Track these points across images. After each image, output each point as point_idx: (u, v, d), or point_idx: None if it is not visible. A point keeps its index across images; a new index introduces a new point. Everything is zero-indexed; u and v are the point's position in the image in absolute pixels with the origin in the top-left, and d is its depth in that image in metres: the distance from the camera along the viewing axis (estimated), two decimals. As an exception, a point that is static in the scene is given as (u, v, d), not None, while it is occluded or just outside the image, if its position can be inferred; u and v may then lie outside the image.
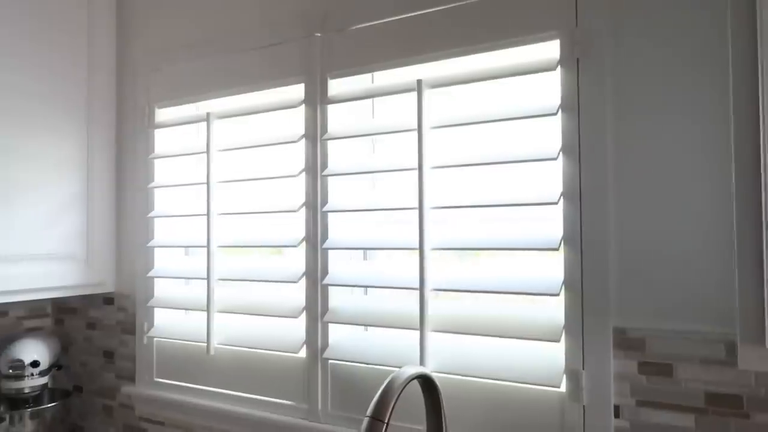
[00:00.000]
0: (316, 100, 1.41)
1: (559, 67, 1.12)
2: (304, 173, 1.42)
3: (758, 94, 0.71)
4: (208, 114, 1.54)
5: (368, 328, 1.43)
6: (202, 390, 1.58)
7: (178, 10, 1.70)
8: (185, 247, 1.70)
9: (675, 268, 1.03)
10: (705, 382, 1.00)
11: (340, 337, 1.39)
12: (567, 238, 1.11)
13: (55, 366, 1.78)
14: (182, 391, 1.62)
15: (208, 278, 1.52)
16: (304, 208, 1.42)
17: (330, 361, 1.38)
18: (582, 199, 1.10)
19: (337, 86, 1.41)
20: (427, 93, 1.24)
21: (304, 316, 1.41)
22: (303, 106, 1.43)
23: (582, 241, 1.10)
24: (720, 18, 1.00)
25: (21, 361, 1.66)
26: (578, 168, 1.10)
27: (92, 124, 1.74)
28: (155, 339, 1.68)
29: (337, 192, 1.41)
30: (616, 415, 1.07)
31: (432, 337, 1.22)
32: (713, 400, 1.00)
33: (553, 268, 1.16)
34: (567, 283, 1.11)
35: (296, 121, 1.47)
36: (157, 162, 1.71)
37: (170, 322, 1.68)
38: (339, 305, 1.38)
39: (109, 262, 1.78)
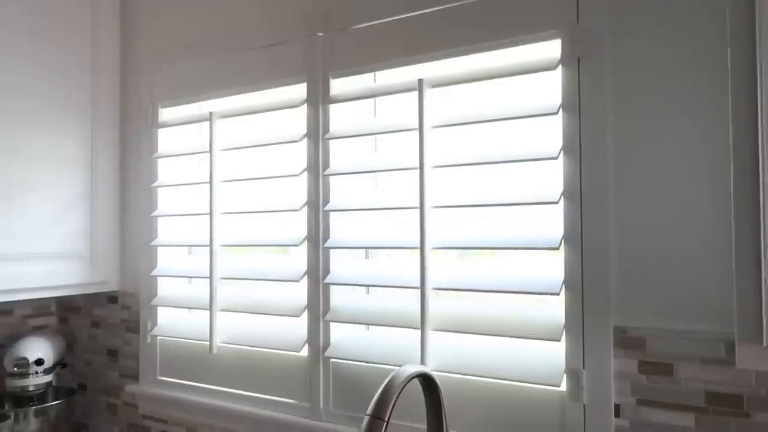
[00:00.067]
0: (318, 100, 1.42)
1: (560, 66, 1.12)
2: (306, 172, 1.43)
3: (757, 95, 0.71)
4: (210, 114, 1.55)
5: (370, 327, 1.43)
6: (204, 388, 1.59)
7: (181, 9, 1.71)
8: (188, 246, 1.71)
9: (675, 268, 1.03)
10: (705, 381, 1.00)
11: (341, 335, 1.40)
12: (567, 238, 1.11)
13: (60, 364, 1.79)
14: (185, 390, 1.63)
15: (210, 277, 1.53)
16: (306, 207, 1.42)
17: (331, 360, 1.39)
18: (582, 198, 1.10)
19: (339, 86, 1.42)
20: (429, 92, 1.24)
21: (305, 314, 1.42)
22: (305, 105, 1.44)
23: (582, 240, 1.10)
24: (720, 18, 1.00)
25: (25, 359, 1.67)
26: (579, 167, 1.10)
27: (96, 123, 1.75)
28: (159, 337, 1.69)
29: (339, 191, 1.41)
30: (617, 414, 1.07)
31: (433, 336, 1.22)
32: (713, 400, 1.00)
33: (553, 267, 1.16)
34: (567, 282, 1.11)
35: (298, 120, 1.48)
36: (160, 161, 1.72)
37: (173, 321, 1.69)
38: (340, 304, 1.39)
39: (113, 261, 1.79)
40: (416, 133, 1.25)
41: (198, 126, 1.76)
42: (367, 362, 1.31)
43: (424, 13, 1.27)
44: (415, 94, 1.25)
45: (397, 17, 1.31)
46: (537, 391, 1.15)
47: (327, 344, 1.39)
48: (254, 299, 1.52)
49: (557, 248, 1.09)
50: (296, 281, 1.40)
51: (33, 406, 1.67)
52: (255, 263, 1.54)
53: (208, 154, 1.56)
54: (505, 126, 1.23)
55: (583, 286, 1.10)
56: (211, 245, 1.53)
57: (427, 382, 1.12)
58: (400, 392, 1.00)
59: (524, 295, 1.17)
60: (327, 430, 1.36)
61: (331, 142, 1.40)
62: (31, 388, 1.68)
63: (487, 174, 1.27)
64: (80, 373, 1.91)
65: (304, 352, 1.42)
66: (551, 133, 1.18)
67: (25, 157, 1.58)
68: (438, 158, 1.23)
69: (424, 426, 1.25)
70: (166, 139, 1.73)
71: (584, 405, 1.09)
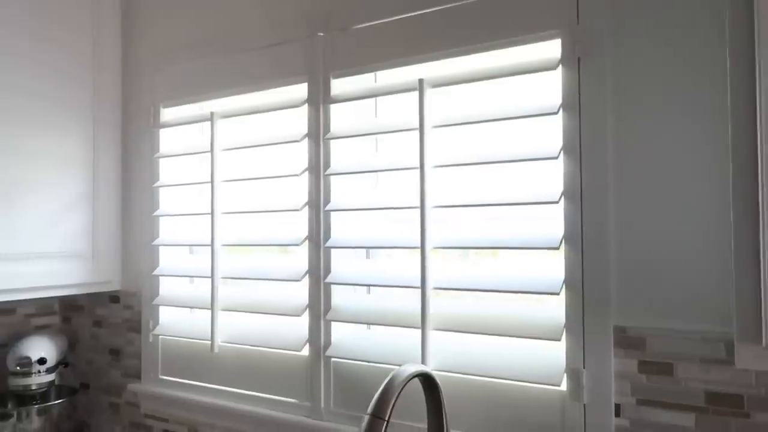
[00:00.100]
0: (319, 100, 1.42)
1: (560, 66, 1.12)
2: (307, 172, 1.43)
3: (756, 95, 0.71)
4: (212, 113, 1.55)
5: (371, 326, 1.43)
6: (206, 387, 1.60)
7: (182, 9, 1.71)
8: (190, 246, 1.71)
9: (675, 268, 1.03)
10: (705, 381, 1.00)
11: (342, 335, 1.40)
12: (568, 237, 1.12)
13: (62, 363, 1.80)
14: (186, 389, 1.63)
15: (212, 277, 1.53)
16: (307, 207, 1.43)
17: (332, 359, 1.39)
18: (583, 198, 1.10)
19: (339, 86, 1.42)
20: (429, 92, 1.25)
21: (307, 314, 1.42)
22: (306, 105, 1.44)
23: (583, 240, 1.10)
24: (720, 18, 1.00)
25: (28, 358, 1.68)
26: (579, 167, 1.11)
27: (98, 123, 1.75)
28: (160, 337, 1.70)
29: (340, 191, 1.42)
30: (617, 414, 1.07)
31: (433, 336, 1.22)
32: (713, 400, 1.00)
33: (553, 267, 1.16)
34: (568, 282, 1.11)
35: (299, 120, 1.48)
36: (162, 161, 1.72)
37: (175, 320, 1.69)
38: (341, 304, 1.39)
39: (115, 261, 1.79)
40: (417, 133, 1.25)
41: (199, 126, 1.76)
42: (368, 362, 1.31)
43: (425, 13, 1.28)
44: (416, 94, 1.25)
45: (397, 17, 1.31)
46: (537, 391, 1.15)
47: (328, 344, 1.39)
48: (255, 299, 1.52)
49: (557, 248, 1.09)
50: (297, 281, 1.41)
51: (36, 404, 1.67)
52: (256, 263, 1.55)
53: (209, 154, 1.56)
54: (505, 126, 1.23)
55: (583, 286, 1.10)
56: (212, 245, 1.54)
57: (427, 381, 1.12)
58: (401, 391, 1.01)
59: (524, 294, 1.17)
60: (328, 430, 1.36)
61: (332, 142, 1.41)
62: (33, 387, 1.69)
63: (488, 174, 1.27)
64: (82, 372, 1.91)
65: (305, 351, 1.43)
66: (551, 133, 1.18)
67: (27, 157, 1.58)
68: (438, 158, 1.23)
69: (424, 425, 1.25)
70: (167, 139, 1.74)
71: (584, 404, 1.09)
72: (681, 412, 1.02)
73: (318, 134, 1.42)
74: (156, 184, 1.70)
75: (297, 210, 1.41)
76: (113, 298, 1.83)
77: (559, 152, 1.11)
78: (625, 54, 1.08)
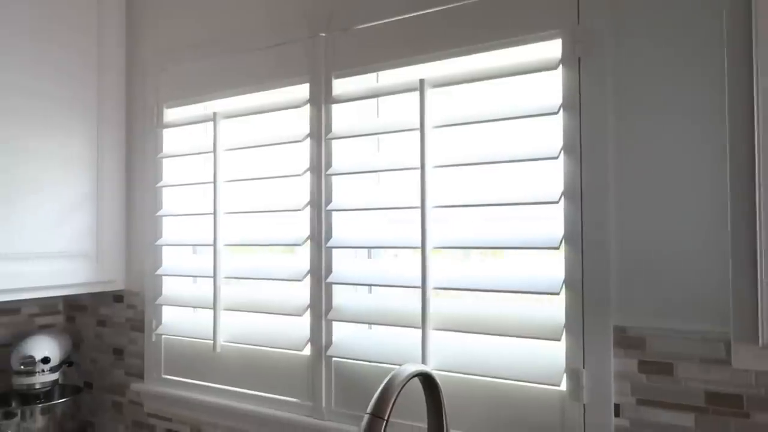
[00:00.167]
0: (321, 100, 1.42)
1: (560, 66, 1.13)
2: (308, 172, 1.44)
3: (753, 95, 0.71)
4: (214, 114, 1.56)
5: (372, 326, 1.44)
6: (208, 387, 1.60)
7: (185, 10, 1.72)
8: (193, 246, 1.72)
9: (675, 268, 1.03)
10: (705, 381, 1.00)
11: (343, 335, 1.40)
12: (568, 237, 1.12)
13: (66, 362, 1.81)
14: (189, 388, 1.64)
15: (214, 276, 1.54)
16: (308, 206, 1.43)
17: (334, 359, 1.39)
18: (583, 198, 1.10)
19: (341, 86, 1.42)
20: (430, 92, 1.25)
21: (308, 314, 1.42)
22: (308, 105, 1.44)
23: (583, 240, 1.10)
24: (720, 18, 1.00)
25: (32, 357, 1.69)
26: (579, 167, 1.11)
27: (102, 123, 1.76)
28: (163, 336, 1.71)
29: (341, 191, 1.42)
30: (617, 414, 1.07)
31: (433, 336, 1.23)
32: (713, 400, 1.00)
33: (553, 267, 1.16)
34: (568, 282, 1.11)
35: (301, 120, 1.48)
36: (165, 161, 1.73)
37: (178, 320, 1.70)
38: (343, 303, 1.39)
39: (119, 261, 1.80)
40: (417, 133, 1.26)
41: (203, 126, 1.77)
42: (369, 361, 1.31)
43: (426, 14, 1.28)
44: (417, 94, 1.26)
45: (398, 18, 1.31)
46: (537, 391, 1.15)
47: (329, 343, 1.39)
48: (257, 298, 1.53)
49: (557, 248, 1.09)
50: (299, 281, 1.41)
51: (39, 403, 1.68)
52: (258, 263, 1.55)
53: (212, 154, 1.57)
54: (505, 126, 1.24)
55: (583, 286, 1.10)
56: (214, 245, 1.54)
57: (427, 381, 1.13)
58: (400, 391, 1.01)
59: (524, 294, 1.17)
60: (329, 429, 1.37)
61: (334, 142, 1.41)
62: (37, 386, 1.70)
63: (488, 174, 1.27)
64: (86, 371, 1.92)
65: (307, 351, 1.43)
66: (552, 133, 1.18)
67: (31, 157, 1.59)
68: (439, 158, 1.23)
69: (424, 425, 1.25)
70: (171, 139, 1.75)
71: (584, 404, 1.09)
72: (681, 412, 1.02)
73: (320, 134, 1.42)
74: (159, 184, 1.71)
75: (299, 210, 1.42)
76: (117, 297, 1.84)
77: (560, 152, 1.11)
78: (625, 54, 1.09)
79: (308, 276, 1.42)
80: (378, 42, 1.34)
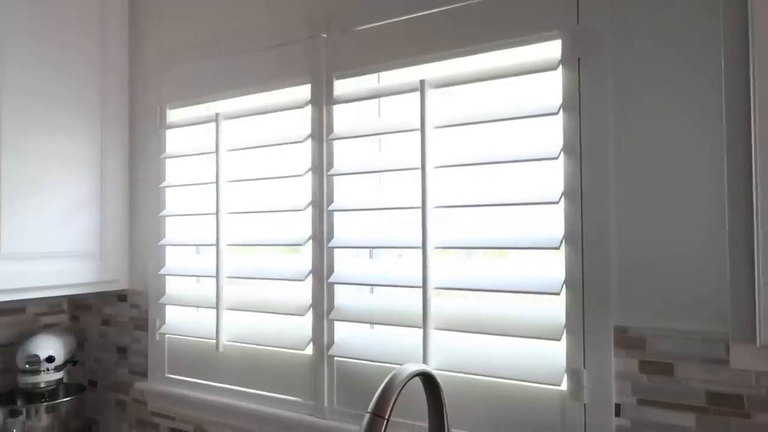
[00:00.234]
0: (322, 101, 1.43)
1: (560, 66, 1.13)
2: (310, 173, 1.44)
3: (750, 95, 0.71)
4: (216, 114, 1.57)
5: (373, 325, 1.44)
6: (211, 386, 1.61)
7: (188, 10, 1.72)
8: (196, 246, 1.73)
9: (676, 267, 1.03)
10: (706, 381, 1.00)
11: (345, 334, 1.41)
12: (568, 238, 1.12)
13: (71, 361, 1.82)
14: (192, 387, 1.65)
15: (217, 276, 1.55)
16: (310, 207, 1.44)
17: (336, 358, 1.40)
18: (583, 198, 1.10)
19: (342, 86, 1.43)
20: (430, 93, 1.25)
21: (310, 313, 1.43)
22: (309, 106, 1.45)
23: (583, 240, 1.10)
24: (720, 18, 1.00)
25: (37, 356, 1.70)
26: (579, 167, 1.11)
27: (106, 123, 1.77)
28: (167, 335, 1.72)
29: (343, 191, 1.42)
30: (617, 414, 1.07)
31: (435, 335, 1.23)
32: (714, 400, 1.00)
33: (554, 267, 1.16)
34: (568, 282, 1.11)
35: (303, 121, 1.49)
36: (168, 162, 1.74)
37: (181, 319, 1.71)
38: (344, 303, 1.40)
39: (123, 260, 1.81)
40: (418, 134, 1.26)
41: (205, 126, 1.78)
42: (371, 361, 1.32)
43: (426, 15, 1.28)
44: (417, 94, 1.26)
45: (398, 18, 1.32)
46: (538, 391, 1.15)
47: (331, 343, 1.40)
48: (260, 298, 1.53)
49: (558, 248, 1.10)
50: (301, 280, 1.42)
51: (44, 402, 1.69)
52: (260, 262, 1.56)
53: (215, 155, 1.58)
54: (505, 126, 1.24)
55: (583, 286, 1.10)
56: (217, 245, 1.55)
57: (428, 380, 1.13)
58: (401, 390, 1.01)
59: (525, 294, 1.18)
60: (331, 428, 1.37)
61: (335, 143, 1.41)
62: (42, 385, 1.71)
63: (488, 174, 1.27)
64: (90, 370, 1.94)
65: (309, 350, 1.44)
66: (552, 133, 1.18)
67: (35, 157, 1.60)
68: (440, 158, 1.24)
69: (425, 424, 1.26)
70: (173, 140, 1.75)
71: (585, 404, 1.09)
72: (681, 412, 1.02)
73: (321, 135, 1.43)
74: (162, 185, 1.72)
75: (300, 210, 1.42)
76: (121, 297, 1.85)
77: (560, 152, 1.11)
78: (625, 54, 1.08)
79: (310, 276, 1.43)
80: (378, 43, 1.35)
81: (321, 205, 1.42)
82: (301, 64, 1.47)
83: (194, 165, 1.78)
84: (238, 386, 1.56)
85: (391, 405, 0.99)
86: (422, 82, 1.24)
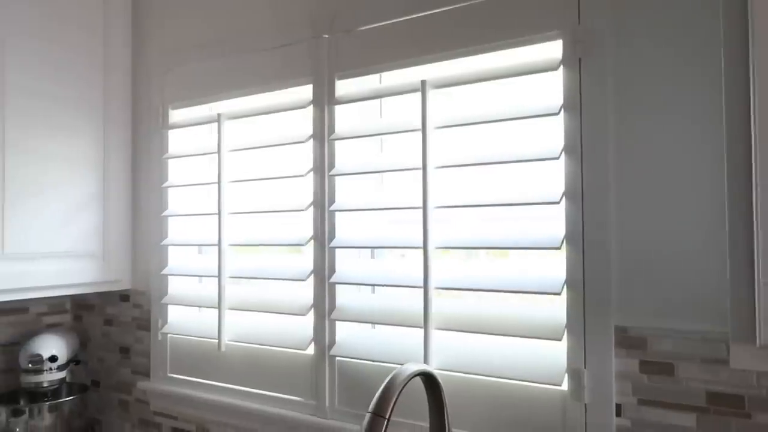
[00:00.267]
0: (324, 101, 1.43)
1: (561, 66, 1.13)
2: (312, 173, 1.44)
3: (750, 95, 0.71)
4: (219, 115, 1.57)
5: (375, 325, 1.44)
6: (213, 385, 1.62)
7: (191, 10, 1.73)
8: (198, 246, 1.73)
9: (676, 268, 1.03)
10: (706, 381, 1.00)
11: (347, 334, 1.41)
12: (569, 238, 1.12)
13: (73, 361, 1.82)
14: (194, 387, 1.65)
15: (219, 276, 1.55)
16: (312, 207, 1.44)
17: (337, 358, 1.40)
18: (584, 198, 1.10)
19: (343, 87, 1.43)
20: (431, 93, 1.25)
21: (312, 313, 1.43)
22: (311, 106, 1.45)
23: (584, 240, 1.10)
24: (720, 18, 1.00)
25: (40, 355, 1.71)
26: (580, 167, 1.11)
27: (108, 123, 1.77)
28: (169, 335, 1.72)
29: (344, 191, 1.43)
30: (618, 414, 1.08)
31: (435, 335, 1.23)
32: (714, 400, 1.00)
33: (555, 267, 1.17)
34: (569, 282, 1.12)
35: (305, 121, 1.49)
36: (170, 162, 1.74)
37: (183, 319, 1.71)
38: (346, 303, 1.40)
39: (125, 260, 1.82)
40: (419, 134, 1.26)
41: (207, 127, 1.78)
42: (372, 360, 1.32)
43: (428, 15, 1.28)
44: (419, 95, 1.26)
45: (400, 19, 1.32)
46: (539, 391, 1.15)
47: (333, 342, 1.40)
48: (262, 298, 1.54)
49: (559, 248, 1.10)
50: (302, 280, 1.42)
51: (47, 401, 1.70)
52: (262, 262, 1.56)
53: (217, 155, 1.58)
54: (506, 126, 1.24)
55: (584, 286, 1.10)
56: (219, 245, 1.56)
57: (429, 380, 1.13)
58: (401, 390, 1.01)
59: (526, 294, 1.18)
60: (332, 428, 1.38)
61: (337, 143, 1.42)
62: (45, 385, 1.71)
63: (489, 174, 1.27)
64: (93, 369, 1.94)
65: (310, 350, 1.44)
66: (553, 134, 1.18)
67: (38, 157, 1.61)
68: (441, 159, 1.24)
69: (426, 424, 1.26)
70: (176, 140, 1.76)
71: (585, 404, 1.10)
72: (682, 412, 1.02)
73: (323, 135, 1.43)
74: (165, 185, 1.72)
75: (302, 210, 1.43)
76: (123, 296, 1.86)
77: (561, 152, 1.11)
78: (625, 54, 1.09)
79: (312, 276, 1.43)
80: (380, 43, 1.35)
81: (322, 206, 1.42)
82: (304, 64, 1.47)
83: (197, 165, 1.78)
84: (240, 386, 1.57)
85: (391, 405, 0.99)
86: (423, 82, 1.24)
